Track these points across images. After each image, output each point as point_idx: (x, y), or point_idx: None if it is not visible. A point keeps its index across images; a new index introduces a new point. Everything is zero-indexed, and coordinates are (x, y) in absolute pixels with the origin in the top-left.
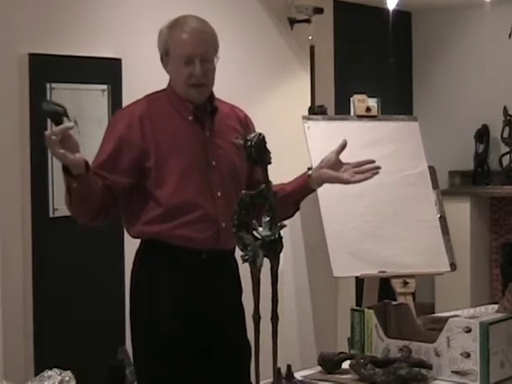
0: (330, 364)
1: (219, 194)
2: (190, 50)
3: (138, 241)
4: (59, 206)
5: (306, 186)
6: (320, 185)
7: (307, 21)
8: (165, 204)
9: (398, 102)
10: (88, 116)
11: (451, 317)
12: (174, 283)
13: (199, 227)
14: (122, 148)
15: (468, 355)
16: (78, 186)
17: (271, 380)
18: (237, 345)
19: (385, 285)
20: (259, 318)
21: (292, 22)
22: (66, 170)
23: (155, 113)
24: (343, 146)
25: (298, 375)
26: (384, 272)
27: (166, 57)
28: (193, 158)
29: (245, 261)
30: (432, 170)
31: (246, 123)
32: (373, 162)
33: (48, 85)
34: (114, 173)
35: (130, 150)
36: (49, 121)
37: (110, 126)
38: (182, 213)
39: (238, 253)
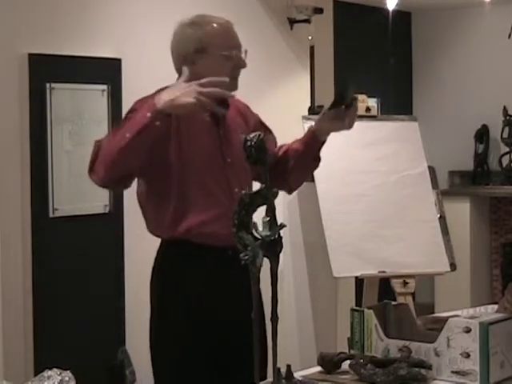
0: (329, 364)
1: (236, 190)
2: (234, 42)
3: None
4: (59, 206)
5: (315, 140)
6: (327, 134)
7: (307, 21)
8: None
9: (397, 102)
10: (88, 116)
11: (451, 317)
12: (201, 281)
13: (224, 224)
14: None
15: (468, 355)
16: (159, 125)
17: (271, 380)
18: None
19: (385, 285)
20: (259, 318)
21: (292, 22)
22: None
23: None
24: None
25: (298, 375)
26: (384, 272)
27: (196, 54)
28: (211, 156)
29: (245, 261)
30: (432, 170)
31: (245, 113)
32: None
33: (48, 85)
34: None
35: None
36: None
37: (130, 111)
38: (207, 210)
39: None
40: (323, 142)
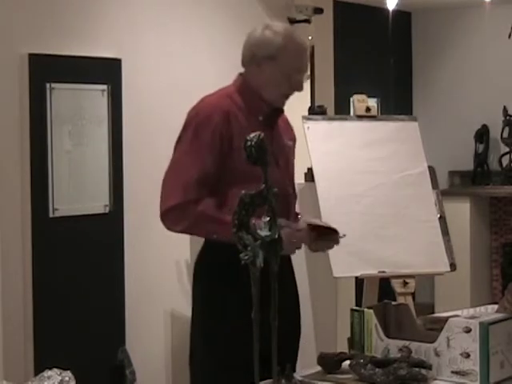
0: (329, 364)
1: (291, 191)
2: (304, 66)
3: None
4: (59, 206)
5: None
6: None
7: (307, 21)
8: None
9: (397, 102)
10: (88, 116)
11: (451, 317)
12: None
13: None
14: (214, 156)
15: (468, 355)
16: None
17: (271, 380)
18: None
19: (385, 285)
20: (259, 318)
21: (292, 22)
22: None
23: (231, 112)
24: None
25: (298, 375)
26: (384, 272)
27: (265, 59)
28: None
29: (244, 261)
30: (432, 170)
31: (290, 125)
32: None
33: (48, 85)
34: (210, 182)
35: (217, 154)
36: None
37: (194, 131)
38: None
39: None
40: None
